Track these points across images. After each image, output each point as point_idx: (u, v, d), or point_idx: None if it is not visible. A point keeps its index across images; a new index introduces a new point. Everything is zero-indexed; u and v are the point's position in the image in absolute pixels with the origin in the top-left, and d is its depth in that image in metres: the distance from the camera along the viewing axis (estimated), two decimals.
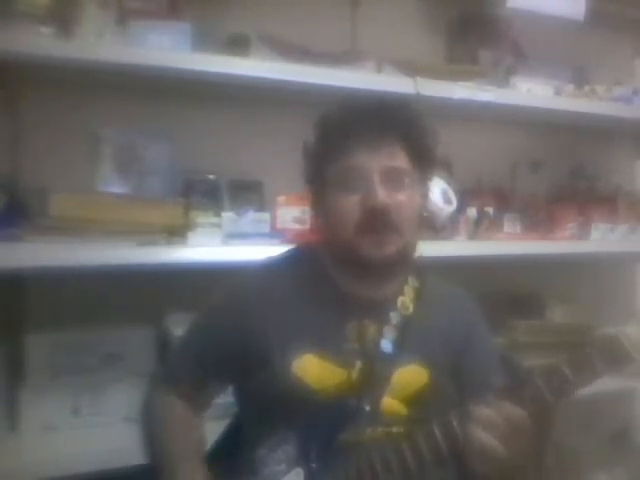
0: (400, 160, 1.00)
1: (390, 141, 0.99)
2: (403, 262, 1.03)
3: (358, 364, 0.99)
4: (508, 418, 0.83)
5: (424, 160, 1.03)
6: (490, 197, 1.87)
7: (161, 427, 1.07)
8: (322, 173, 1.02)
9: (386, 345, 1.01)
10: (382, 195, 0.96)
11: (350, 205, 0.98)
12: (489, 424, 0.83)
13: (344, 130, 0.99)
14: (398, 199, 0.98)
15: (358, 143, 0.97)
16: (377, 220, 0.96)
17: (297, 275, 1.07)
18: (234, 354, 1.04)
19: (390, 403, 0.99)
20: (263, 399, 1.00)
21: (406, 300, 1.06)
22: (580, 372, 0.84)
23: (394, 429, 0.98)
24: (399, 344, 1.01)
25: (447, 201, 1.64)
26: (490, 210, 1.79)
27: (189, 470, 0.99)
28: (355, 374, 0.99)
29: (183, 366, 1.11)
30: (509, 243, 1.79)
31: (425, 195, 1.10)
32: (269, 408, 0.99)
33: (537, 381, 0.85)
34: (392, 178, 0.98)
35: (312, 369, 0.98)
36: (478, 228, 1.76)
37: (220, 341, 1.06)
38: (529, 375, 0.86)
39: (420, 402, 1.00)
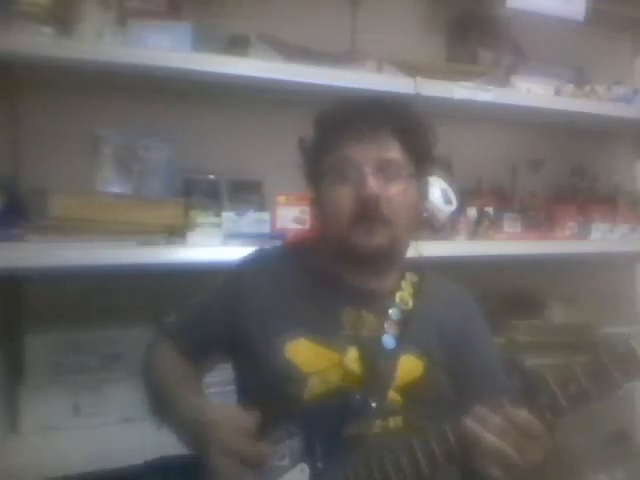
0: (393, 152, 1.01)
1: (384, 133, 1.00)
2: (396, 254, 1.05)
3: (352, 351, 1.00)
4: (523, 426, 0.82)
5: (419, 154, 1.04)
6: (490, 197, 1.87)
7: (163, 372, 1.10)
8: (318, 166, 1.04)
9: (388, 341, 1.02)
10: (373, 185, 0.97)
11: (343, 195, 0.99)
12: (503, 431, 0.82)
13: (339, 123, 1.01)
14: (390, 190, 0.99)
15: (352, 135, 0.99)
16: (368, 210, 0.97)
17: (293, 263, 1.10)
18: (231, 333, 1.06)
19: (391, 396, 0.99)
20: (259, 385, 1.02)
21: (405, 295, 1.07)
22: (597, 382, 0.83)
23: (392, 423, 0.98)
24: (399, 339, 1.02)
25: (447, 201, 1.64)
26: (490, 210, 1.79)
27: (194, 398, 1.01)
28: (349, 361, 0.99)
29: (182, 334, 1.13)
30: (509, 243, 1.79)
31: (424, 192, 1.11)
32: (266, 394, 1.00)
33: (555, 392, 0.84)
34: (385, 169, 1.00)
35: (302, 352, 0.99)
36: (478, 228, 1.76)
37: (218, 320, 1.08)
38: (545, 384, 0.85)
39: (415, 393, 1.00)
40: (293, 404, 0.97)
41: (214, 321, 1.09)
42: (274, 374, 0.99)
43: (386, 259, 1.04)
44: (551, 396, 0.84)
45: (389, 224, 0.99)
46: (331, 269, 1.07)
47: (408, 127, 1.02)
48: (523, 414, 0.83)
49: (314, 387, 0.98)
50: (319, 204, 1.07)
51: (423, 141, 1.05)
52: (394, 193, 1.00)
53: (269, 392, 0.99)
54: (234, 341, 1.06)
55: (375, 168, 0.99)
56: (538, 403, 0.84)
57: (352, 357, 1.00)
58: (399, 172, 1.01)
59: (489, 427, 0.83)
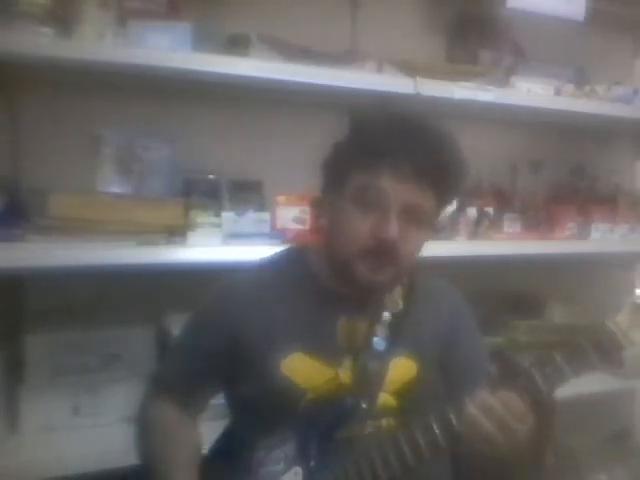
0: (426, 200, 0.97)
1: (424, 180, 0.95)
2: (396, 283, 1.05)
3: (347, 362, 1.00)
4: (507, 405, 0.84)
5: (448, 201, 1.05)
6: (490, 197, 1.87)
7: (155, 432, 1.08)
8: (345, 179, 0.98)
9: (379, 343, 1.02)
10: (395, 229, 0.93)
11: (361, 226, 0.95)
12: (489, 411, 0.84)
13: (383, 148, 0.94)
14: (409, 236, 0.96)
15: (392, 168, 0.94)
16: (381, 250, 0.95)
17: (285, 276, 1.08)
18: (223, 358, 1.04)
19: (382, 397, 1.00)
20: (254, 400, 1.01)
21: (395, 297, 1.07)
22: (574, 362, 0.85)
23: (385, 422, 0.99)
24: (390, 341, 1.02)
25: None
26: (490, 210, 1.79)
27: (182, 477, 0.99)
28: (345, 372, 0.99)
29: (175, 373, 1.12)
30: (509, 243, 1.79)
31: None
32: (261, 409, 1.00)
33: (531, 372, 0.86)
34: (411, 213, 0.96)
35: (300, 367, 0.98)
36: (478, 228, 1.76)
37: (208, 346, 1.07)
38: (522, 366, 0.86)
39: (409, 394, 1.01)
40: (289, 415, 0.97)
41: (206, 353, 1.07)
42: (271, 390, 0.98)
43: (386, 290, 1.04)
44: (530, 378, 0.85)
45: (398, 265, 0.97)
46: (321, 280, 1.06)
47: (449, 176, 0.99)
48: (504, 394, 0.84)
49: (312, 398, 0.98)
50: (331, 218, 1.02)
51: (457, 187, 1.02)
52: (412, 238, 0.97)
53: (266, 406, 0.99)
54: (228, 364, 1.04)
55: (402, 210, 0.95)
56: (516, 386, 0.85)
57: (347, 368, 1.00)
58: (424, 219, 0.98)
59: (474, 408, 0.85)
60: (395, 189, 0.94)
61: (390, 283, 1.02)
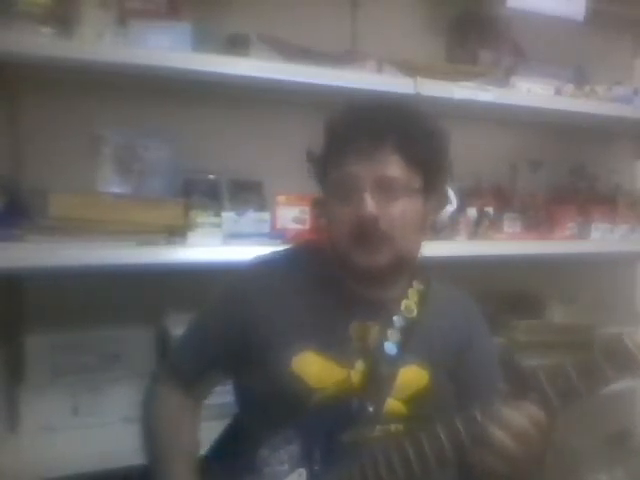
0: (395, 169, 0.98)
1: (385, 150, 0.97)
2: (402, 267, 1.04)
3: (359, 364, 1.00)
4: (529, 419, 0.83)
5: (426, 167, 1.01)
6: (490, 197, 1.87)
7: (157, 423, 1.09)
8: (324, 178, 1.03)
9: (390, 347, 1.01)
10: (371, 206, 0.95)
11: (343, 214, 0.98)
12: (509, 424, 0.83)
13: (341, 138, 0.99)
14: (390, 209, 0.97)
15: (353, 152, 0.97)
16: (366, 231, 0.96)
17: (301, 271, 1.07)
18: (234, 349, 1.04)
19: (391, 403, 0.99)
20: (262, 396, 1.01)
21: (410, 303, 1.06)
22: (588, 378, 0.83)
23: (393, 428, 0.99)
24: (402, 346, 1.01)
25: (447, 201, 1.64)
26: (490, 210, 1.79)
27: (178, 471, 1.00)
28: (356, 374, 0.99)
29: (183, 359, 1.12)
30: (509, 243, 1.79)
31: (441, 200, 1.10)
32: (268, 406, 0.99)
33: (545, 387, 0.84)
34: (385, 187, 0.97)
35: (310, 366, 0.98)
36: (478, 228, 1.76)
37: (220, 335, 1.07)
38: (536, 380, 0.85)
39: (419, 402, 1.00)
40: (296, 414, 0.96)
41: (217, 340, 1.07)
42: (281, 387, 0.98)
43: (392, 273, 1.02)
44: (543, 393, 0.84)
45: (391, 242, 0.97)
46: (338, 279, 1.05)
47: (412, 140, 0.99)
48: (527, 406, 0.84)
49: (319, 399, 0.97)
50: (326, 217, 1.05)
51: (430, 153, 1.01)
52: (395, 211, 0.97)
53: (274, 403, 0.98)
54: (238, 355, 1.04)
55: (375, 187, 0.96)
56: (530, 400, 0.84)
57: (359, 371, 0.99)
58: (401, 190, 0.98)
59: (493, 421, 0.84)
60: (362, 168, 0.97)
61: (393, 264, 0.99)
